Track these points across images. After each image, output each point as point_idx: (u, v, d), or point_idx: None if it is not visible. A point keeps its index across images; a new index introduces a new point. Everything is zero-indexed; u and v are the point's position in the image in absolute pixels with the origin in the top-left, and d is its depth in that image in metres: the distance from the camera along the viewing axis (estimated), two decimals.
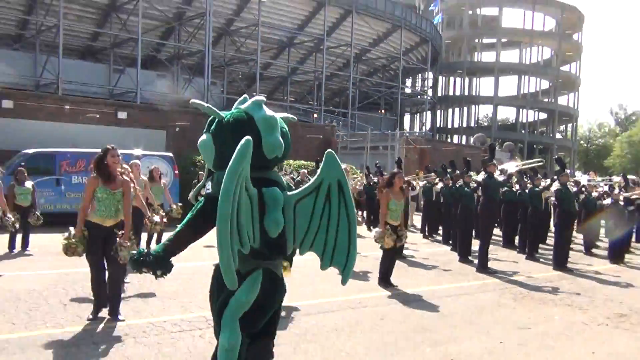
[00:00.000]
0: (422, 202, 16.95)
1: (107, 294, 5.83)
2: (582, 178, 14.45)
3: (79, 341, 5.12)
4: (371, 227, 15.93)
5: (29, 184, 10.48)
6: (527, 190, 12.93)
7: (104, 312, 5.98)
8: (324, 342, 5.41)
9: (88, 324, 5.65)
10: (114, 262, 5.79)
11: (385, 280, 8.38)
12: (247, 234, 2.98)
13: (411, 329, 6.03)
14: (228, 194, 2.78)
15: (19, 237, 10.25)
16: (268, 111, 3.25)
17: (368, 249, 11.84)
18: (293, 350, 5.09)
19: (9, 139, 16.78)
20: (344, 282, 3.49)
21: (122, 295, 6.95)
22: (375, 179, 15.35)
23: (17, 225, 9.45)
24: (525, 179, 13.57)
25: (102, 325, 5.63)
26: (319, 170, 3.35)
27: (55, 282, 7.36)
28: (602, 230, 14.69)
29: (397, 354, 5.18)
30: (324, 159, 3.35)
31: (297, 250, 3.42)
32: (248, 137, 2.93)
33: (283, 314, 6.35)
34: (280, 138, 3.21)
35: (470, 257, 11.07)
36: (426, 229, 15.81)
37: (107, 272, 5.87)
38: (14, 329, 5.42)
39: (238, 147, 2.87)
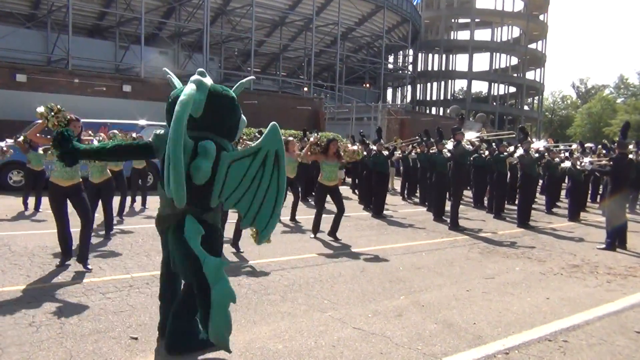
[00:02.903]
0: (401, 168, 16.96)
1: (71, 245, 6.02)
2: (540, 143, 14.50)
3: (88, 292, 5.13)
4: (355, 191, 16.00)
5: (40, 150, 10.31)
6: (493, 156, 12.96)
7: (109, 266, 6.01)
8: (309, 291, 5.45)
9: (97, 276, 5.66)
10: (84, 216, 5.94)
11: (315, 231, 8.67)
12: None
13: (388, 280, 6.09)
14: (178, 139, 3.05)
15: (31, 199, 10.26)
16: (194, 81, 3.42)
17: (351, 210, 11.92)
18: (281, 299, 5.13)
19: (22, 110, 16.52)
20: (258, 242, 3.58)
21: (128, 251, 6.99)
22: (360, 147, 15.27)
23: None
24: (493, 146, 13.58)
25: (109, 277, 5.64)
26: (261, 138, 3.41)
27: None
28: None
29: (374, 301, 5.23)
30: (267, 129, 3.40)
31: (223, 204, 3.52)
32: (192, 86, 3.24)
33: (273, 267, 6.42)
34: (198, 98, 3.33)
35: (443, 217, 11.15)
36: (405, 192, 15.87)
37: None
38: (29, 280, 5.42)
39: (182, 97, 3.15)
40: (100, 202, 7.69)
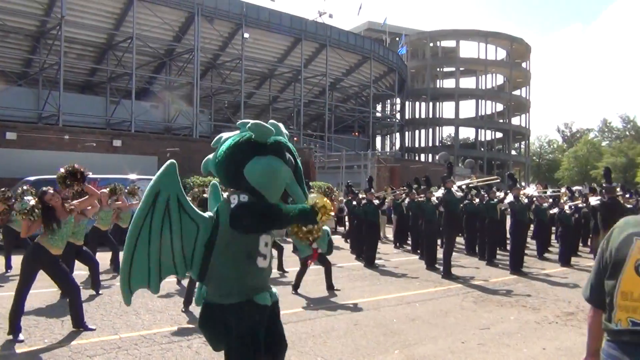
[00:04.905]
0: (393, 216, 16.99)
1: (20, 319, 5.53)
2: (530, 189, 14.60)
3: (74, 355, 5.00)
4: (347, 240, 15.91)
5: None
6: (484, 203, 13.02)
7: (111, 329, 5.88)
8: (301, 348, 5.35)
9: (85, 338, 5.52)
10: (61, 279, 5.81)
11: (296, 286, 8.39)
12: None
13: (382, 333, 5.99)
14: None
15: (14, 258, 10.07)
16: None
17: (343, 260, 11.85)
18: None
19: (12, 167, 16.55)
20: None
21: (117, 309, 6.86)
22: (349, 197, 15.32)
23: None
24: (483, 193, 13.67)
25: (97, 339, 5.51)
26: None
27: (53, 299, 7.19)
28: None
29: (368, 356, 5.13)
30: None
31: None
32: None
33: None
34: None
35: (436, 265, 11.09)
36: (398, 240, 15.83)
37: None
38: (13, 344, 5.27)
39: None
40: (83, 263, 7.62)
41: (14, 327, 5.43)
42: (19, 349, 5.14)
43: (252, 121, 2.90)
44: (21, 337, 5.42)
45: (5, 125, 18.63)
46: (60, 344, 5.36)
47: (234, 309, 2.82)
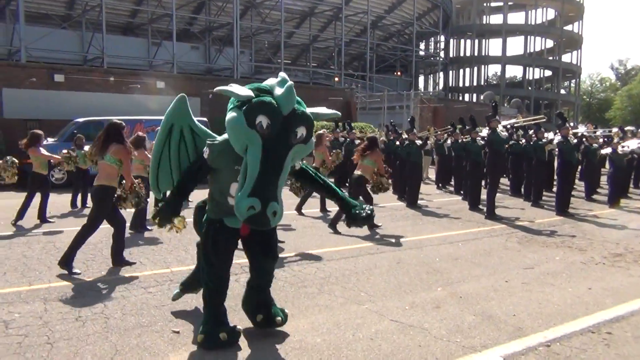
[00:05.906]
0: (435, 157, 16.79)
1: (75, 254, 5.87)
2: (580, 128, 14.06)
3: (131, 286, 5.26)
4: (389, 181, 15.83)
5: (86, 148, 10.58)
6: (531, 143, 12.69)
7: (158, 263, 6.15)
8: (345, 283, 5.47)
9: (138, 271, 5.80)
10: (114, 218, 6.15)
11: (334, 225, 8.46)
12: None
13: (425, 271, 6.05)
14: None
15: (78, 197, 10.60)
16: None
17: (386, 201, 11.88)
18: (318, 291, 5.17)
19: (61, 109, 17.00)
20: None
21: (167, 245, 7.14)
22: (391, 137, 15.17)
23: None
24: (530, 133, 13.29)
25: (150, 272, 5.78)
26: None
27: (109, 235, 7.50)
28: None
29: (411, 292, 5.22)
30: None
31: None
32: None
33: (309, 260, 6.46)
34: None
35: (479, 206, 11.00)
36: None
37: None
38: (74, 276, 5.59)
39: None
40: None
41: (70, 263, 5.76)
42: (77, 280, 5.45)
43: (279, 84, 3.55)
44: (76, 270, 5.75)
45: (53, 68, 19.03)
46: (116, 276, 5.65)
47: (208, 222, 3.79)
